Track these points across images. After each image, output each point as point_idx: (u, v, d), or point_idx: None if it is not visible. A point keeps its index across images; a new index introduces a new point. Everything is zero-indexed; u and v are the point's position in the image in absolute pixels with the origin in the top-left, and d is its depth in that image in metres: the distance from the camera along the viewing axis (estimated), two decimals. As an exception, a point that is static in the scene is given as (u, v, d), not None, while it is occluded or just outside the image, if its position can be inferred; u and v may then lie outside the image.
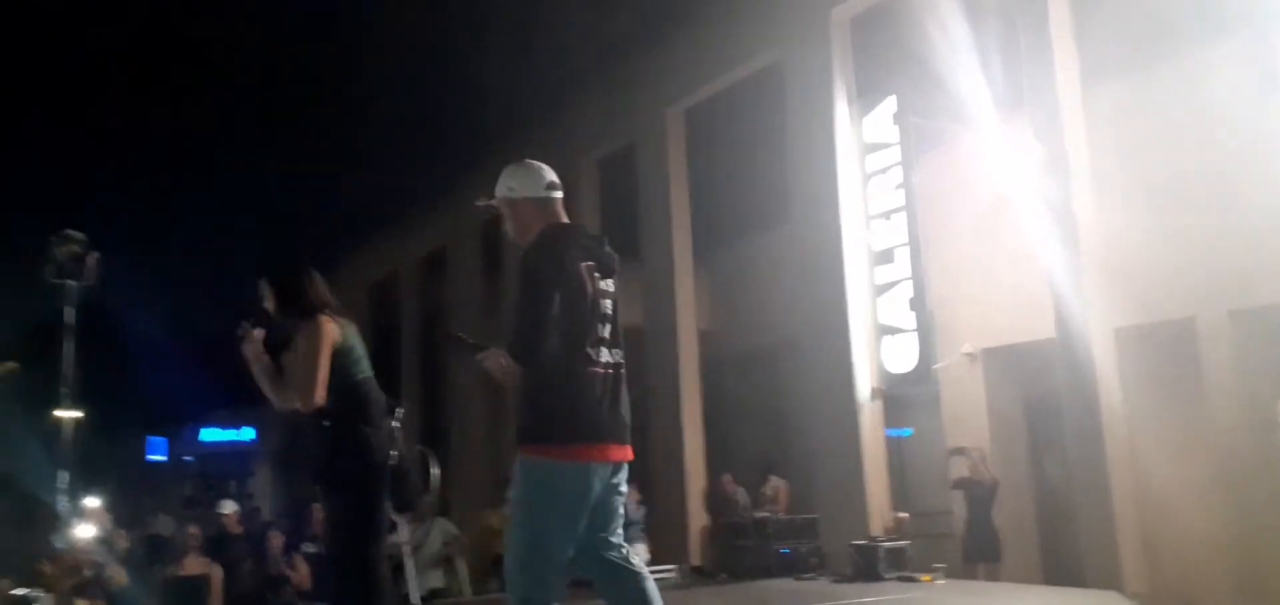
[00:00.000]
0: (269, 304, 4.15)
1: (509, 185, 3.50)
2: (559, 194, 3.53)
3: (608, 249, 3.47)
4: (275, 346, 4.17)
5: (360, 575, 3.89)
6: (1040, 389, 9.89)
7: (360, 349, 4.08)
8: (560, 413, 3.19)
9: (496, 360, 3.27)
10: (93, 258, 6.29)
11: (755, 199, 13.23)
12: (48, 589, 6.26)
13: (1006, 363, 10.37)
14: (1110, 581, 7.79)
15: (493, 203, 3.54)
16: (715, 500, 12.42)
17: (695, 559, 11.62)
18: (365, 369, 4.06)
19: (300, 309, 4.02)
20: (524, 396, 3.23)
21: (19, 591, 6.63)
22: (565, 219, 3.53)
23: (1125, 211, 8.60)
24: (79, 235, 6.29)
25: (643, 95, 13.60)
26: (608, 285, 3.41)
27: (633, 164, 13.84)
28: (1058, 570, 9.65)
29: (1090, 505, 8.47)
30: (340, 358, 3.97)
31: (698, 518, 12.45)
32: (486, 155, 16.88)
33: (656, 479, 12.85)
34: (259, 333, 4.10)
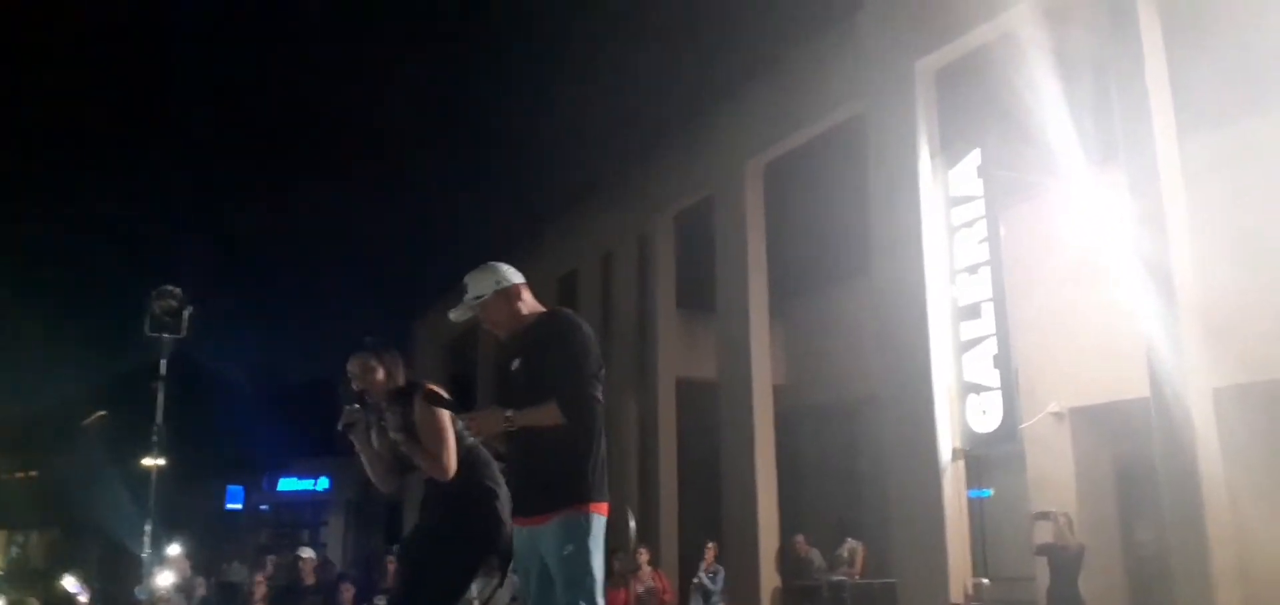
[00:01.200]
0: (366, 383, 4.14)
1: (496, 280, 3.68)
2: None
3: None
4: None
5: None
6: (1132, 450, 9.49)
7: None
8: (603, 470, 3.45)
9: (496, 417, 3.48)
10: (188, 312, 6.48)
11: (834, 252, 13.09)
12: (130, 634, 6.34)
13: (1096, 422, 10.00)
14: (1213, 655, 7.35)
15: (477, 303, 3.68)
16: (788, 561, 12.14)
17: (768, 621, 11.35)
18: (468, 436, 4.09)
19: (427, 397, 4.02)
20: (573, 454, 3.38)
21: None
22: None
23: (1224, 266, 8.27)
24: (176, 290, 6.50)
25: (722, 148, 13.62)
26: None
27: (710, 217, 13.83)
28: (1152, 642, 9.18)
29: (1187, 574, 8.04)
30: (453, 424, 4.01)
31: (770, 579, 12.18)
32: (565, 210, 17.07)
33: (728, 538, 12.63)
34: (363, 418, 4.16)
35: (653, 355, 14.89)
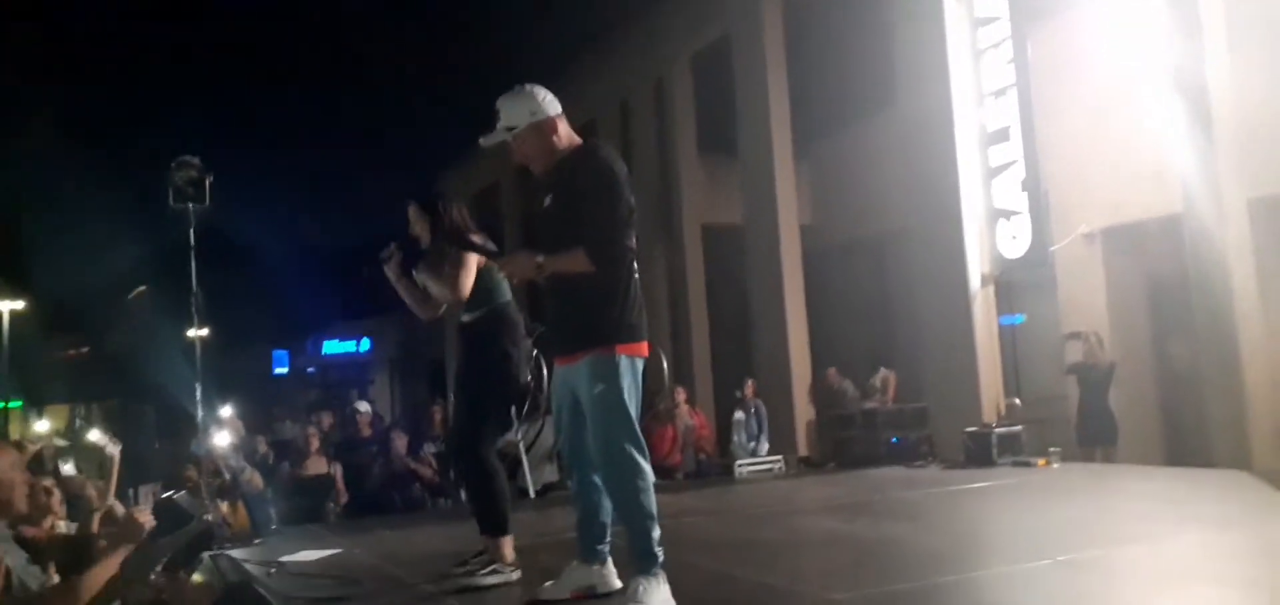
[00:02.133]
0: (419, 230, 4.42)
1: (531, 110, 3.50)
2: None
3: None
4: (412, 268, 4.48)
5: (479, 472, 4.07)
6: (1164, 268, 9.45)
7: (501, 277, 4.20)
8: (638, 310, 3.41)
9: (527, 262, 3.46)
10: (210, 180, 6.57)
11: (857, 84, 12.81)
12: (192, 492, 6.69)
13: (1128, 242, 9.92)
14: (1240, 462, 7.48)
15: (509, 134, 3.53)
16: (821, 394, 12.39)
17: (802, 451, 11.66)
18: (506, 293, 4.22)
19: (448, 236, 4.21)
20: (601, 295, 3.33)
21: (166, 494, 7.11)
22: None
23: (1260, 74, 8.02)
24: (195, 160, 6.57)
25: (738, -18, 13.22)
26: None
27: (728, 58, 13.55)
28: (1180, 452, 9.33)
29: (1220, 385, 8.12)
30: (485, 277, 4.14)
31: (804, 412, 12.46)
32: (581, 53, 16.78)
33: (760, 375, 12.87)
34: (399, 255, 4.45)
35: (677, 203, 14.87)
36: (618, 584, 3.52)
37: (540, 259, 3.41)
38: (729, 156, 13.94)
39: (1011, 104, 9.60)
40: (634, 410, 3.37)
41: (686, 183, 14.78)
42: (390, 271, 4.44)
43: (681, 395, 11.59)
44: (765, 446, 11.13)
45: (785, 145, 12.75)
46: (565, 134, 3.55)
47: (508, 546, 4.02)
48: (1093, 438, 8.91)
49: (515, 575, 3.97)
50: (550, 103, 3.52)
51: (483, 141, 3.61)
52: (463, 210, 4.42)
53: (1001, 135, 9.73)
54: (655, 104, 15.44)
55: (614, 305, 3.34)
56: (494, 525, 4.01)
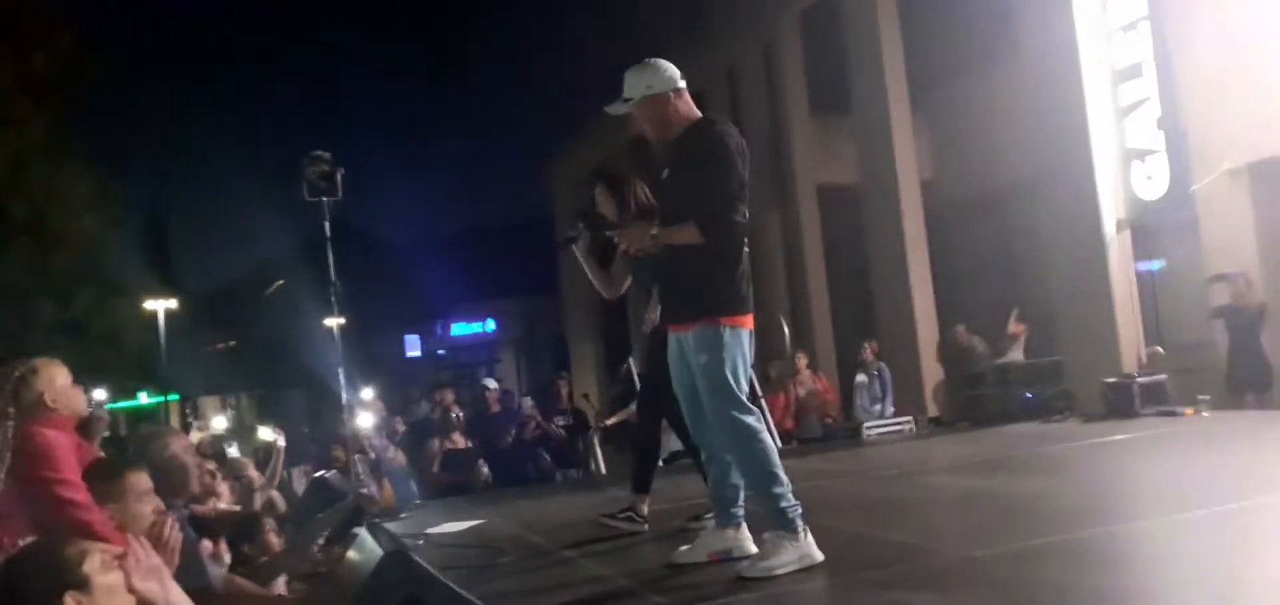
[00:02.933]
0: (607, 208, 4.60)
1: (647, 83, 3.57)
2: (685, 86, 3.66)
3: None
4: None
5: (651, 438, 4.70)
6: (1321, 200, 8.85)
7: None
8: (746, 282, 3.50)
9: (642, 233, 3.63)
10: (341, 173, 6.86)
11: (975, 29, 12.35)
12: (341, 471, 7.07)
13: (1278, 176, 9.31)
14: None
15: (626, 105, 3.61)
16: (950, 352, 12.12)
17: (931, 411, 11.45)
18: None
19: (642, 213, 4.36)
20: (709, 267, 3.42)
21: (319, 473, 7.54)
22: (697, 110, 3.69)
23: None
24: (325, 155, 6.86)
25: (846, -67, 12.93)
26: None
27: (837, 13, 13.28)
28: (1346, 397, 8.74)
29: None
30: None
31: (932, 371, 12.21)
32: (687, 22, 16.72)
33: (884, 335, 12.66)
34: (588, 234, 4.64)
35: (789, 166, 14.70)
36: (753, 548, 3.57)
37: (654, 231, 3.55)
38: (842, 115, 13.70)
39: (1144, 37, 9.13)
40: (742, 379, 3.45)
41: (799, 144, 14.59)
42: (578, 250, 4.61)
43: (803, 360, 11.53)
44: (891, 408, 10.98)
45: (901, 98, 12.44)
46: (684, 109, 3.61)
47: (643, 504, 4.50)
48: (1244, 384, 8.46)
49: (644, 528, 4.45)
50: (668, 77, 3.59)
51: (608, 109, 3.71)
52: (644, 187, 4.53)
53: (1133, 71, 9.26)
54: (764, 67, 15.28)
55: (720, 277, 3.43)
56: (638, 484, 4.53)
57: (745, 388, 3.48)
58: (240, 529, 4.88)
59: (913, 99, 12.58)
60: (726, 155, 3.44)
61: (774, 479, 3.39)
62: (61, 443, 3.21)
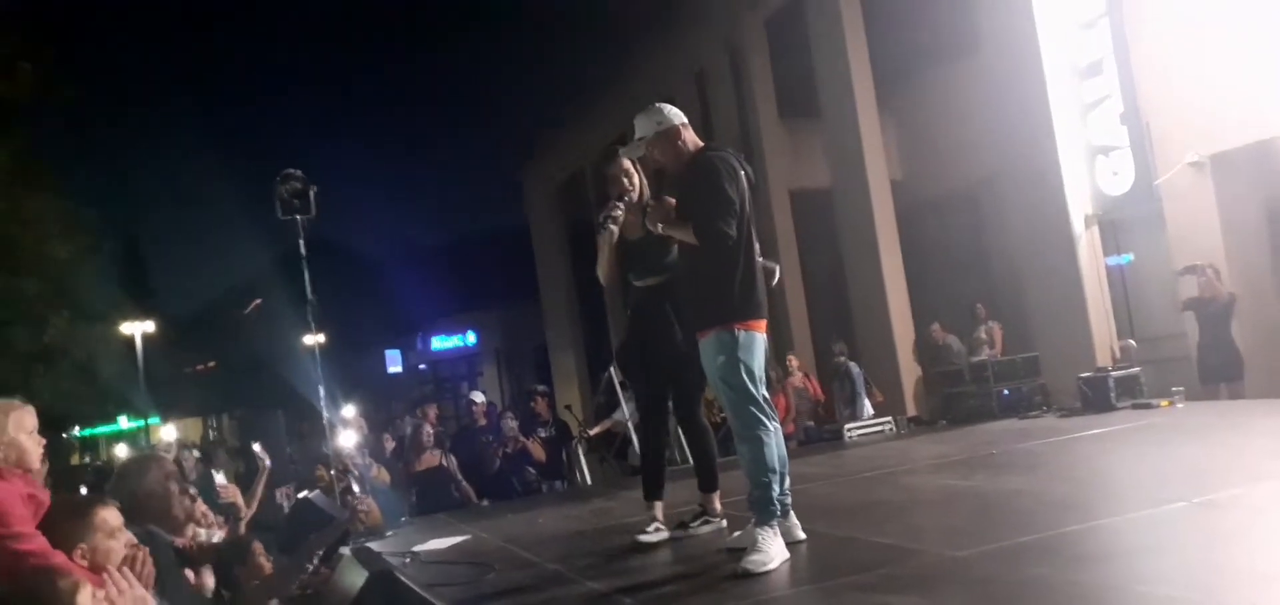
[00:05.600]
0: (629, 184, 4.51)
1: (657, 122, 4.07)
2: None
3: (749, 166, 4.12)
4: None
5: (702, 431, 4.63)
6: (1282, 190, 9.04)
7: None
8: (754, 290, 3.88)
9: (664, 209, 4.05)
10: (314, 191, 6.84)
11: (939, 30, 12.52)
12: (325, 491, 7.04)
13: (1240, 166, 9.48)
14: (1379, 387, 7.16)
15: (641, 144, 4.10)
16: (925, 350, 12.25)
17: (911, 411, 11.56)
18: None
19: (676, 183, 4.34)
20: (715, 278, 3.83)
21: (302, 494, 7.51)
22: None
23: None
24: (297, 173, 6.84)
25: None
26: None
27: (802, 16, 13.39)
28: (1313, 382, 8.93)
29: (1351, 308, 7.76)
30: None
31: (910, 371, 12.33)
32: (652, 26, 16.77)
33: (861, 337, 12.78)
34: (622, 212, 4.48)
35: (761, 171, 14.78)
36: (803, 535, 3.94)
37: (659, 225, 4.03)
38: (811, 119, 13.82)
39: (1104, 34, 9.30)
40: (758, 377, 3.83)
41: (769, 149, 14.70)
42: (616, 227, 4.46)
43: (794, 362, 11.63)
44: (868, 408, 11.05)
45: (869, 101, 12.58)
46: (690, 140, 4.09)
47: (715, 500, 4.58)
48: (1216, 374, 8.61)
49: (723, 523, 4.49)
50: (674, 114, 4.10)
51: (622, 152, 4.34)
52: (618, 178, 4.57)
53: (1095, 68, 9.44)
54: (732, 72, 15.38)
55: (728, 285, 3.82)
56: (704, 483, 4.59)
57: (761, 387, 3.84)
58: (229, 553, 4.86)
59: (880, 100, 12.72)
60: (716, 176, 3.87)
61: (772, 470, 3.76)
62: (7, 495, 3.02)
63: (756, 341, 3.86)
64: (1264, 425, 6.32)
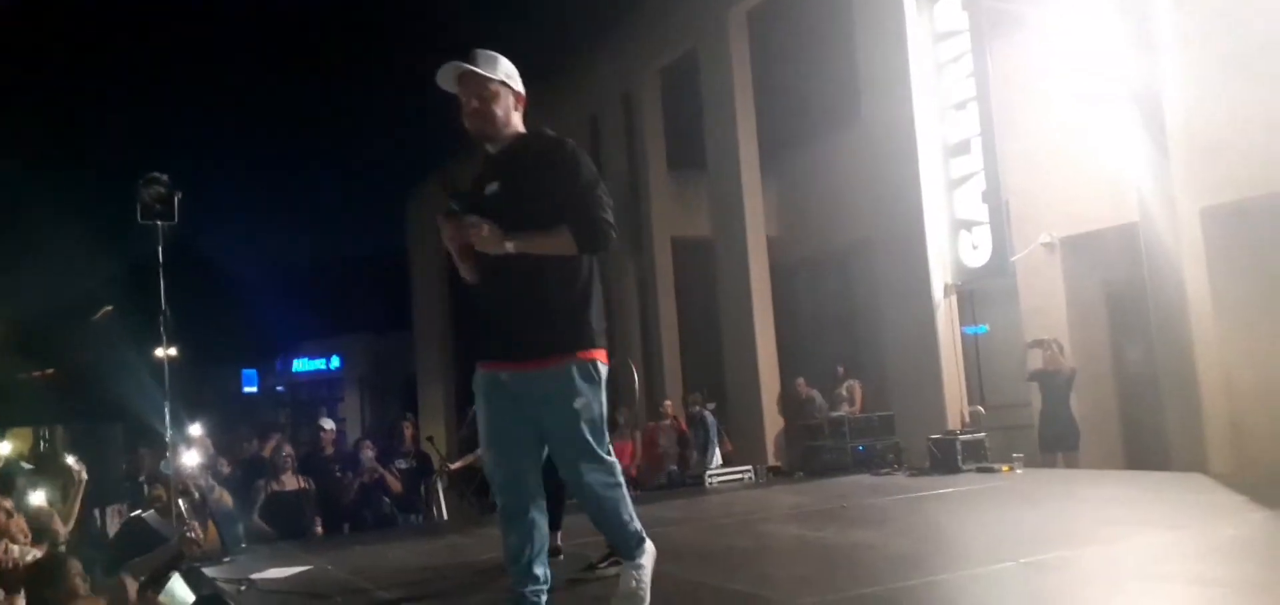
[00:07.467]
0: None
1: (507, 73, 3.25)
2: None
3: None
4: None
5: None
6: (1122, 275, 9.67)
7: None
8: (601, 316, 3.20)
9: (495, 239, 3.05)
10: (178, 197, 6.55)
11: (822, 99, 13.00)
12: (161, 512, 6.65)
13: (1087, 250, 10.14)
14: (1196, 464, 7.68)
15: (480, 82, 3.20)
16: (789, 403, 12.51)
17: (771, 460, 11.77)
18: None
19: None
20: (577, 291, 3.10)
21: (135, 513, 7.06)
22: None
23: (1214, 83, 8.23)
24: (163, 177, 6.54)
25: (702, -1, 13.36)
26: None
27: (695, 71, 13.69)
28: (1140, 456, 9.53)
29: (1176, 389, 8.32)
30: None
31: (773, 422, 12.57)
32: (549, 67, 16.81)
33: (730, 385, 12.97)
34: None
35: (647, 216, 14.97)
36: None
37: (510, 245, 3.04)
38: (698, 170, 14.08)
39: (972, 117, 9.80)
40: (605, 426, 3.21)
41: (656, 196, 14.89)
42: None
43: (670, 407, 11.71)
44: (717, 457, 11.11)
45: (752, 159, 12.90)
46: (519, 119, 3.29)
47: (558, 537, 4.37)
48: (1055, 443, 9.09)
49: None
50: (517, 79, 3.29)
51: (441, 72, 3.22)
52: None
53: (963, 147, 9.92)
54: (624, 118, 15.55)
55: (590, 303, 3.13)
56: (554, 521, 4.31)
57: (607, 430, 3.22)
58: (42, 574, 4.51)
59: (763, 159, 13.06)
60: (592, 165, 3.15)
61: (631, 513, 3.21)
62: None
63: (604, 376, 3.19)
64: (1094, 493, 6.69)
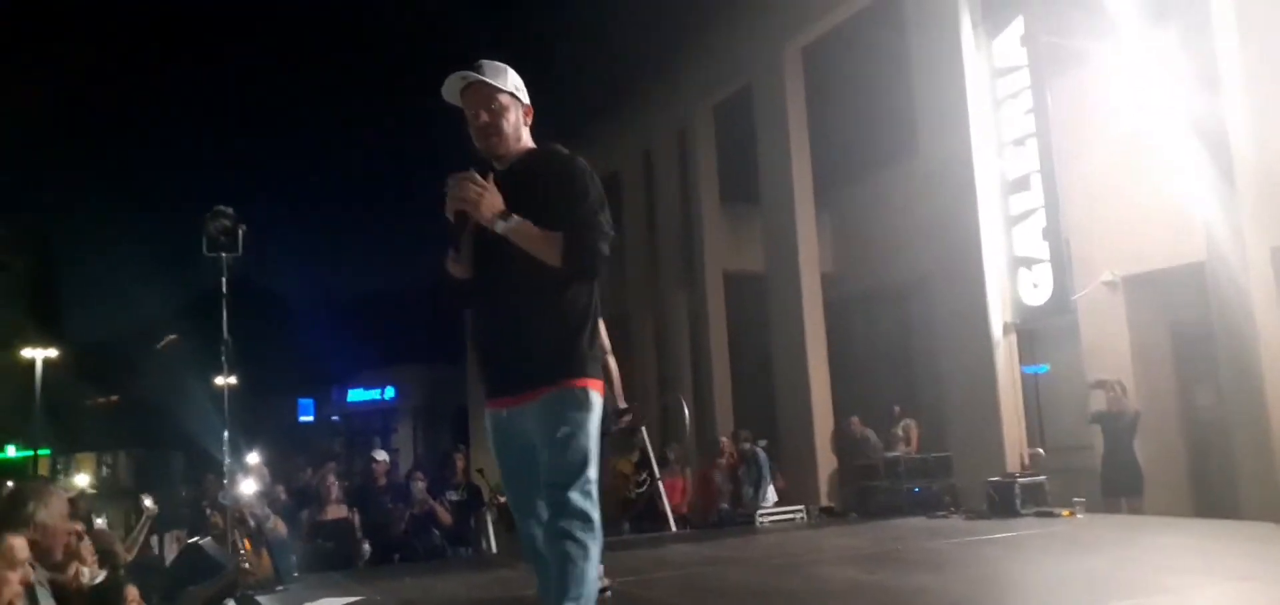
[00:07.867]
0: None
1: (515, 84, 3.07)
2: None
3: None
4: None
5: None
6: (1188, 316, 9.40)
7: None
8: (598, 343, 3.02)
9: (494, 202, 2.88)
10: (243, 230, 6.71)
11: (878, 134, 12.91)
12: (218, 539, 6.76)
13: (1150, 289, 9.88)
14: (1269, 513, 7.38)
15: (489, 93, 3.03)
16: (843, 442, 12.34)
17: (824, 500, 11.59)
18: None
19: None
20: (568, 318, 2.92)
21: (192, 540, 7.19)
22: None
23: (1281, 120, 8.02)
24: (228, 209, 6.72)
25: (758, 33, 13.40)
26: None
27: (750, 107, 13.71)
28: (1208, 503, 9.20)
29: (1246, 434, 8.05)
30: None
31: (826, 461, 12.40)
32: (605, 104, 16.98)
33: (782, 423, 12.84)
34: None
35: (699, 251, 14.97)
36: None
37: (501, 225, 2.86)
38: (751, 205, 14.05)
39: (1032, 153, 9.65)
40: (595, 461, 2.92)
41: (709, 230, 14.89)
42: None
43: (727, 444, 11.62)
44: (772, 494, 10.93)
45: (806, 194, 12.84)
46: (527, 136, 3.13)
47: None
48: (1118, 488, 8.81)
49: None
50: (525, 94, 3.11)
51: (448, 83, 3.04)
52: None
53: (1022, 184, 9.76)
54: (678, 153, 15.62)
55: (582, 332, 2.93)
56: None
57: (596, 471, 2.93)
58: (103, 598, 4.60)
59: (817, 194, 13.00)
60: (598, 186, 2.95)
61: (594, 587, 2.89)
62: None
63: (600, 409, 2.96)
64: (1158, 541, 6.45)
